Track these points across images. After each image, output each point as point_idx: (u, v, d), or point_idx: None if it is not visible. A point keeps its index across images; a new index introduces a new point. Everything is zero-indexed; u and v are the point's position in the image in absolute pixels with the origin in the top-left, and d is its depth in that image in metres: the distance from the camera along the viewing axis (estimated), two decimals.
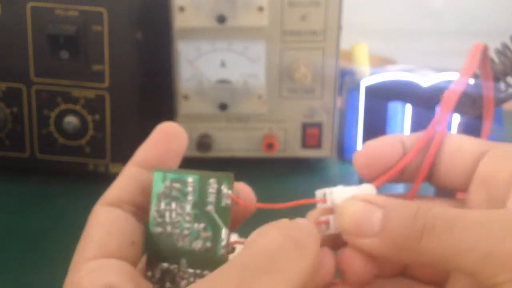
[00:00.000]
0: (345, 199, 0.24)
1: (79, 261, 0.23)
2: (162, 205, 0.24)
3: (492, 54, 0.47)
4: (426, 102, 0.59)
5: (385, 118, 0.59)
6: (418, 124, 0.60)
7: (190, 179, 0.24)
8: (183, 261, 0.24)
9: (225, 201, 0.24)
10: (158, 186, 0.24)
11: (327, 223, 0.25)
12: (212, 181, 0.24)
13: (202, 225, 0.24)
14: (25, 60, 0.53)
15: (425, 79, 0.58)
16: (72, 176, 0.55)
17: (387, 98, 0.59)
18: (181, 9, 0.54)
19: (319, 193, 0.26)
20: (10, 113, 0.55)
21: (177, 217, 0.24)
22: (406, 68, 0.63)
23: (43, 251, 0.45)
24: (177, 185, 0.24)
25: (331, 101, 0.58)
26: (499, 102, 0.47)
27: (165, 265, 0.24)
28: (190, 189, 0.24)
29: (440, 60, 0.75)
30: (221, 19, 0.54)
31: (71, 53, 0.52)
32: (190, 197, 0.24)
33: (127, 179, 0.25)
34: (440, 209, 0.22)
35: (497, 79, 0.46)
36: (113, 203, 0.25)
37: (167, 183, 0.24)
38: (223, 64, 0.56)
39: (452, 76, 0.58)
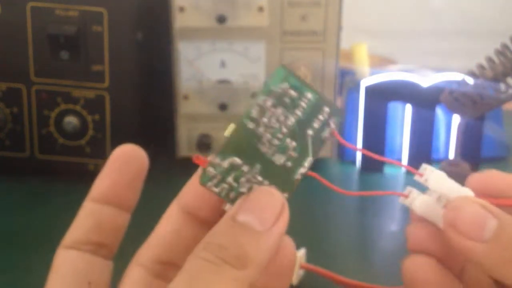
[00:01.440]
0: (460, 196, 0.24)
1: None
2: (269, 104, 0.23)
3: (492, 55, 0.47)
4: (426, 102, 0.59)
5: (385, 118, 0.59)
6: (418, 124, 0.60)
7: (309, 95, 0.23)
8: (257, 166, 0.23)
9: (327, 133, 0.24)
10: (275, 83, 0.23)
11: (407, 197, 0.25)
12: (326, 109, 0.23)
13: (293, 144, 0.23)
14: (25, 60, 0.53)
15: (425, 79, 0.58)
16: (72, 176, 0.55)
17: (387, 98, 0.59)
18: (181, 9, 0.54)
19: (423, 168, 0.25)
20: (10, 113, 0.55)
21: (275, 123, 0.23)
22: (406, 68, 0.63)
23: (43, 251, 0.45)
24: (293, 93, 0.23)
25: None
26: (499, 102, 0.47)
27: (238, 160, 0.23)
28: (303, 104, 0.23)
29: (440, 60, 0.75)
30: (221, 19, 0.54)
31: (71, 53, 0.52)
32: (298, 112, 0.23)
33: (83, 218, 0.24)
34: None
35: (497, 80, 0.46)
36: (69, 245, 0.24)
37: (285, 86, 0.23)
38: (223, 64, 0.56)
39: (452, 76, 0.58)
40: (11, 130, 0.55)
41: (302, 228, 0.48)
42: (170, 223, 0.25)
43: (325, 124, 0.23)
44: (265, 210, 0.22)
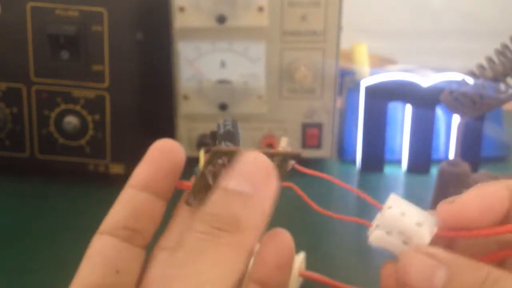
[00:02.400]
0: (409, 249, 0.24)
1: None
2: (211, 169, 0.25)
3: (492, 55, 0.47)
4: (426, 102, 0.59)
5: (385, 118, 0.59)
6: (418, 124, 0.60)
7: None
8: None
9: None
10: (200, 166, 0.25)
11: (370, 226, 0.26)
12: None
13: None
14: (25, 60, 0.53)
15: (425, 79, 0.58)
16: (72, 176, 0.55)
17: (387, 98, 0.59)
18: (181, 9, 0.54)
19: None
20: (10, 113, 0.55)
21: None
22: (406, 68, 0.63)
23: (43, 251, 0.45)
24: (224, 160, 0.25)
25: (331, 101, 0.58)
26: (499, 102, 0.47)
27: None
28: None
29: (440, 60, 0.75)
30: (221, 19, 0.54)
31: (71, 53, 0.52)
32: None
33: (122, 203, 0.25)
34: (510, 283, 0.21)
35: (497, 80, 0.46)
36: (106, 231, 0.24)
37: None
38: (223, 64, 0.56)
39: (452, 76, 0.58)
40: (11, 130, 0.55)
41: (301, 229, 0.48)
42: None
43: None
44: (253, 173, 0.22)
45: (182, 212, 0.25)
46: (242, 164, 0.23)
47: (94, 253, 0.24)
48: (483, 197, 0.25)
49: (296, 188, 0.25)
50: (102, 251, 0.24)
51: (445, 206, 0.25)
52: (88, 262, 0.24)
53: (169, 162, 0.25)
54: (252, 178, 0.22)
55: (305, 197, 0.26)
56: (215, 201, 0.22)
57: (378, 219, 0.26)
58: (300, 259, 0.40)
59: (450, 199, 0.25)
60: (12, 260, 0.44)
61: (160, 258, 0.24)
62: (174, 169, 0.25)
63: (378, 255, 0.46)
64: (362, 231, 0.53)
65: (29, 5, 0.52)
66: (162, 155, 0.25)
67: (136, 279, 0.24)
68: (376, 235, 0.25)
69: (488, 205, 0.24)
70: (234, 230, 0.21)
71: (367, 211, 0.54)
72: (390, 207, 0.26)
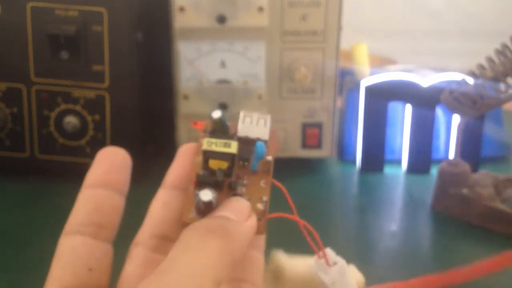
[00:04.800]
0: None
1: None
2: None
3: (492, 55, 0.47)
4: (426, 102, 0.59)
5: (385, 118, 0.59)
6: (418, 124, 0.60)
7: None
8: None
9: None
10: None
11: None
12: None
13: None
14: (25, 60, 0.53)
15: (425, 79, 0.58)
16: (72, 176, 0.55)
17: (387, 98, 0.59)
18: (181, 9, 0.54)
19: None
20: (10, 113, 0.55)
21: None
22: (406, 68, 0.63)
23: (42, 251, 0.45)
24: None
25: (331, 101, 0.58)
26: (499, 102, 0.47)
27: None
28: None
29: (440, 60, 0.75)
30: (221, 19, 0.54)
31: (71, 53, 0.52)
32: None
33: (82, 203, 0.26)
34: None
35: (497, 80, 0.46)
36: (72, 230, 0.25)
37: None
38: (223, 64, 0.56)
39: (452, 76, 0.58)
40: (11, 130, 0.55)
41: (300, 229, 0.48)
42: (158, 200, 0.27)
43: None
44: (237, 210, 0.25)
45: (157, 209, 0.27)
46: (228, 203, 0.25)
47: (64, 253, 0.25)
48: None
49: (284, 189, 0.26)
50: (73, 251, 0.25)
51: None
52: (59, 262, 0.24)
53: (118, 160, 0.27)
54: (237, 213, 0.24)
55: (289, 200, 0.27)
56: (206, 221, 0.24)
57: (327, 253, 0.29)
58: (358, 278, 0.38)
59: None
60: (11, 259, 0.44)
61: (135, 253, 0.25)
62: (124, 165, 0.27)
63: (377, 252, 0.46)
64: (363, 228, 0.53)
65: (29, 5, 0.52)
66: (110, 156, 0.27)
67: (108, 275, 0.25)
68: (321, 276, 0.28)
69: None
70: (222, 234, 0.23)
71: (367, 211, 0.54)
72: (335, 263, 0.29)
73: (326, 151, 0.60)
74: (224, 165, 0.25)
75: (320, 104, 0.58)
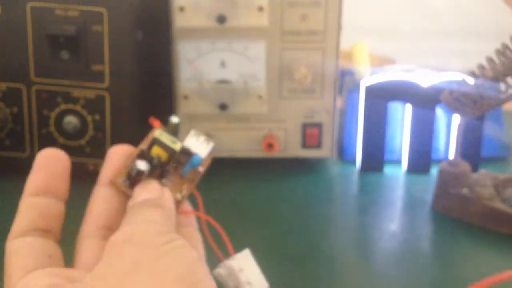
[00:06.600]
0: None
1: None
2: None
3: (492, 55, 0.47)
4: (426, 102, 0.59)
5: (385, 118, 0.59)
6: (418, 124, 0.60)
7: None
8: None
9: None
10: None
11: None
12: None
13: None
14: (25, 60, 0.53)
15: (425, 79, 0.58)
16: (72, 176, 0.55)
17: (387, 98, 0.59)
18: (181, 9, 0.54)
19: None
20: (10, 113, 0.55)
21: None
22: (406, 68, 0.63)
23: None
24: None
25: (331, 101, 0.58)
26: (499, 102, 0.47)
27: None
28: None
29: (440, 60, 0.75)
30: (221, 19, 0.54)
31: (71, 53, 0.52)
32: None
33: (25, 211, 0.27)
34: None
35: (497, 80, 0.46)
36: (20, 235, 0.26)
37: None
38: (223, 64, 0.56)
39: (452, 76, 0.58)
40: (11, 130, 0.55)
41: (301, 228, 0.48)
42: (98, 197, 0.30)
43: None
44: (150, 189, 0.29)
45: (100, 204, 0.29)
46: (140, 185, 0.29)
47: (18, 250, 0.26)
48: None
49: (197, 194, 0.31)
50: (27, 245, 0.26)
51: None
52: (19, 257, 0.25)
53: (57, 166, 0.28)
54: (150, 190, 0.29)
55: (200, 204, 0.31)
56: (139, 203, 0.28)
57: (228, 261, 0.31)
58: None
59: None
60: None
61: (86, 245, 0.28)
62: (64, 170, 0.28)
63: (377, 252, 0.46)
64: (363, 228, 0.53)
65: (29, 5, 0.52)
66: (50, 161, 0.28)
67: (62, 264, 0.26)
68: (218, 272, 0.30)
69: None
70: (157, 205, 0.27)
71: (367, 211, 0.54)
72: (233, 259, 0.31)
73: (326, 151, 0.60)
74: (164, 155, 0.30)
75: (320, 104, 0.58)
